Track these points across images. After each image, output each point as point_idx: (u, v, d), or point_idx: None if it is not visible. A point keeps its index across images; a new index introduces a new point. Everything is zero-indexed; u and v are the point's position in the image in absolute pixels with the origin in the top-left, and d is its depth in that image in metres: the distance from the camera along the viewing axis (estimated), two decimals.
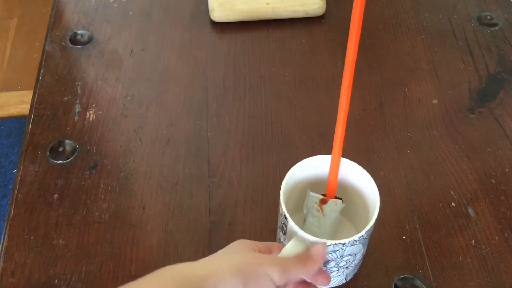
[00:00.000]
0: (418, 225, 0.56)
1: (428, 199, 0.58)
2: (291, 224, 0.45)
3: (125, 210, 0.57)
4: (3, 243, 0.54)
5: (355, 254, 0.47)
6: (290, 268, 0.41)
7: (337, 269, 0.48)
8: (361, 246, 0.47)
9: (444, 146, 0.62)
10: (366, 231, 0.45)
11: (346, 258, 0.46)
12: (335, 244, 0.44)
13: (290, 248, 0.44)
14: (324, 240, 0.44)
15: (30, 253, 0.53)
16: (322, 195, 0.50)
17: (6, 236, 0.55)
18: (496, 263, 0.53)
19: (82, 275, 0.52)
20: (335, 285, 0.50)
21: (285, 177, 0.48)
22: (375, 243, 0.54)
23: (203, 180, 0.59)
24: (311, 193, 0.50)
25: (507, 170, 0.60)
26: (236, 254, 0.41)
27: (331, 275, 0.48)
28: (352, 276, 0.51)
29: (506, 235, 0.55)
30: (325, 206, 0.49)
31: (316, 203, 0.49)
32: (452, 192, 0.58)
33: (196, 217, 0.56)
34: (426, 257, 0.53)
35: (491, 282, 0.52)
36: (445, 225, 0.56)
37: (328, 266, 0.47)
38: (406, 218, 0.56)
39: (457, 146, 0.62)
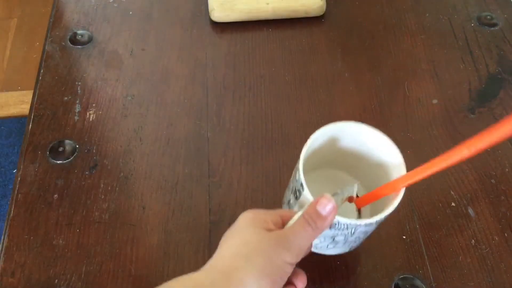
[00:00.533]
0: (418, 225, 0.56)
1: (428, 199, 0.58)
2: (307, 194, 0.44)
3: (125, 210, 0.57)
4: (3, 243, 0.54)
5: (367, 232, 0.45)
6: (303, 243, 0.40)
7: (344, 241, 0.46)
8: (375, 226, 0.45)
9: (444, 146, 0.62)
10: (385, 216, 0.43)
11: (357, 235, 0.45)
12: (350, 223, 0.42)
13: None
14: (339, 217, 0.42)
15: (30, 253, 0.53)
16: (356, 196, 0.48)
17: (6, 236, 0.55)
18: (496, 263, 0.53)
19: (82, 275, 0.52)
20: (336, 253, 0.49)
21: (308, 142, 0.46)
22: (375, 243, 0.54)
23: (203, 180, 0.59)
24: (356, 185, 0.48)
25: (507, 170, 0.60)
26: (253, 250, 0.39)
27: (335, 246, 0.47)
28: (356, 247, 0.50)
29: (506, 235, 0.55)
30: (347, 203, 0.48)
31: (348, 193, 0.47)
32: (452, 192, 0.58)
33: (196, 217, 0.56)
34: (426, 257, 0.53)
35: (491, 282, 0.52)
36: (445, 225, 0.56)
37: (336, 239, 0.46)
38: (406, 218, 0.56)
39: None
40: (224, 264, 0.39)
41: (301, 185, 0.45)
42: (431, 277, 0.52)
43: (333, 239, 0.46)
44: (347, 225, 0.43)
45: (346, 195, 0.48)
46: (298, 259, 0.40)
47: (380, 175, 0.49)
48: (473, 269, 0.53)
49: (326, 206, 0.41)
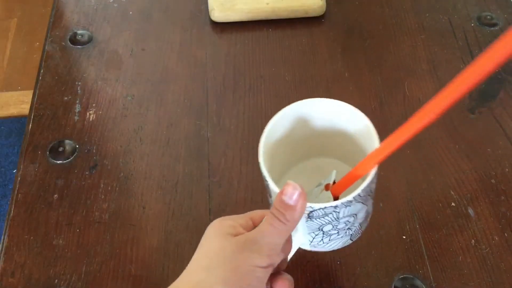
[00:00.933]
0: (418, 225, 0.56)
1: (428, 199, 0.58)
2: (272, 186, 0.41)
3: (125, 210, 0.57)
4: (3, 243, 0.54)
5: (355, 214, 0.42)
6: (275, 241, 0.36)
7: (336, 231, 0.43)
8: (360, 205, 0.42)
9: (444, 146, 0.62)
10: (362, 190, 0.40)
11: (344, 219, 0.42)
12: (325, 207, 0.39)
13: None
14: (312, 204, 0.39)
15: (30, 253, 0.53)
16: (333, 182, 0.45)
17: (6, 236, 0.55)
18: (496, 263, 0.53)
19: (82, 275, 0.52)
20: (340, 247, 0.47)
21: (266, 127, 0.44)
22: (375, 243, 0.54)
23: (203, 180, 0.59)
24: (334, 172, 0.45)
25: (507, 170, 0.60)
26: (214, 260, 0.36)
27: (330, 238, 0.44)
28: (359, 235, 0.47)
29: (506, 235, 0.55)
30: (324, 192, 0.45)
31: (328, 181, 0.45)
32: (452, 192, 0.58)
33: (196, 217, 0.56)
34: (426, 257, 0.53)
35: (491, 282, 0.52)
36: (445, 225, 0.56)
37: (325, 229, 0.43)
38: (406, 218, 0.56)
39: (457, 146, 0.62)
40: (188, 280, 0.36)
41: (265, 178, 0.41)
42: (431, 277, 0.52)
43: (323, 231, 0.43)
44: (324, 210, 0.40)
45: (326, 182, 0.45)
46: (273, 260, 0.36)
47: (356, 150, 0.47)
48: (473, 269, 0.53)
49: (293, 194, 0.36)
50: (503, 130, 0.64)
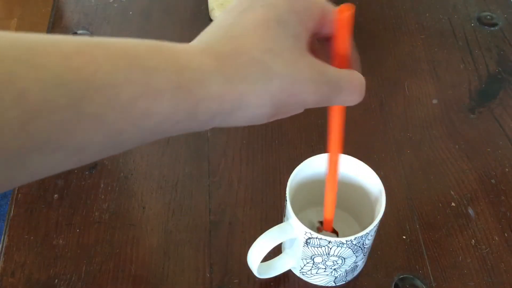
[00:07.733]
0: (418, 225, 0.56)
1: (428, 199, 0.58)
2: (289, 207, 0.45)
3: (125, 210, 0.57)
4: (3, 243, 0.54)
5: (344, 258, 0.46)
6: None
7: (324, 267, 0.47)
8: (350, 252, 0.45)
9: (444, 146, 0.62)
10: (356, 238, 0.44)
11: (333, 258, 0.46)
12: (321, 239, 0.44)
13: (277, 229, 0.45)
14: (310, 231, 0.44)
15: (30, 253, 0.53)
16: (320, 222, 0.50)
17: (6, 236, 0.55)
18: (496, 263, 0.53)
19: (82, 275, 0.52)
20: (323, 284, 0.51)
21: (302, 164, 0.48)
22: (375, 243, 0.54)
23: (203, 180, 0.59)
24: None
25: (507, 170, 0.60)
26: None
27: (317, 271, 0.48)
28: (343, 282, 0.51)
29: (506, 235, 0.55)
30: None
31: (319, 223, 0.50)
32: (452, 192, 0.58)
33: (196, 217, 0.56)
34: (426, 257, 0.53)
35: (491, 282, 0.52)
36: (445, 225, 0.56)
37: (315, 260, 0.47)
38: (406, 218, 0.56)
39: (457, 146, 0.62)
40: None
41: (286, 199, 0.46)
42: (431, 277, 0.52)
43: (313, 262, 0.47)
44: (319, 240, 0.44)
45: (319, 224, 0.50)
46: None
47: (364, 204, 0.50)
48: (473, 269, 0.53)
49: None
50: (503, 130, 0.64)
